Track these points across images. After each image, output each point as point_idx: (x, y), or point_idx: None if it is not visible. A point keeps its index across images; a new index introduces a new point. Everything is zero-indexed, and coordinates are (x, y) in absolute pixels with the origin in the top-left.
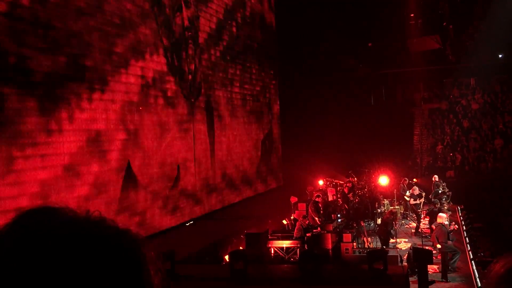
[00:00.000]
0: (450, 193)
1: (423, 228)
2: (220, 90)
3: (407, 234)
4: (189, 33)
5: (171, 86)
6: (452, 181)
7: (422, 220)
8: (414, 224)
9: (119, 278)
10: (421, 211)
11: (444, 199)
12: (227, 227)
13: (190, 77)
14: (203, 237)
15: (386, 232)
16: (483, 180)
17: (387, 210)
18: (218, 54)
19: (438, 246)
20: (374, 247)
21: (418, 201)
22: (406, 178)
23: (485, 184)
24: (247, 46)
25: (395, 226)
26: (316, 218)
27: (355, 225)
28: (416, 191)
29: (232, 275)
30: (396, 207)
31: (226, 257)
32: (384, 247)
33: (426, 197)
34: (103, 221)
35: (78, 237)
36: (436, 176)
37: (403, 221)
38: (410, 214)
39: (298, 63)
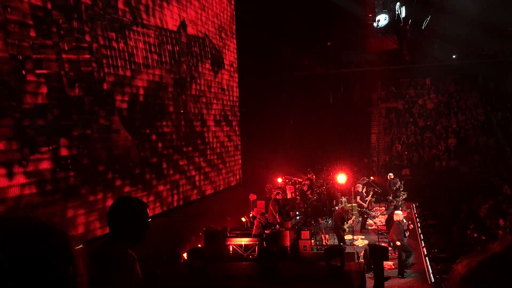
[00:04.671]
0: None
1: (380, 225)
2: None
3: (363, 231)
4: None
5: None
6: (407, 179)
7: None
8: (371, 221)
9: (45, 271)
10: (366, 209)
11: (400, 196)
12: (185, 225)
13: None
14: (160, 234)
15: (338, 228)
16: (437, 178)
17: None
18: None
19: (398, 243)
20: (331, 244)
21: (366, 198)
22: (365, 178)
23: (439, 182)
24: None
25: (352, 223)
26: (277, 216)
27: (313, 222)
28: (360, 188)
29: (191, 273)
30: (354, 204)
31: (185, 255)
32: (342, 244)
33: (384, 195)
34: (30, 218)
35: (5, 234)
36: (391, 174)
37: (360, 218)
38: (367, 211)
39: (257, 62)
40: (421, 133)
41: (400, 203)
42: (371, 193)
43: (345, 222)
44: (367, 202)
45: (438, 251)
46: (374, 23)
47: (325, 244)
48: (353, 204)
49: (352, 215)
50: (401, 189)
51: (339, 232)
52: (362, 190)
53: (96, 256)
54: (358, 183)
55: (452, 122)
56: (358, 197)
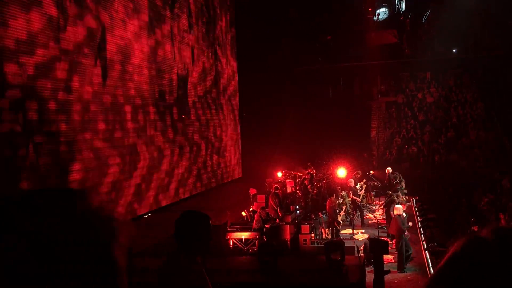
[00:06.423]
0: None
1: (379, 219)
2: None
3: (363, 225)
4: None
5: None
6: (407, 173)
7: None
8: (371, 215)
9: (93, 249)
10: (362, 204)
11: (400, 190)
12: None
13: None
14: (160, 229)
15: (333, 221)
16: (436, 172)
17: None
18: None
19: (406, 233)
20: (331, 238)
21: (359, 193)
22: (359, 171)
23: (439, 175)
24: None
25: (353, 217)
26: (278, 209)
27: (313, 216)
28: (352, 183)
29: None
30: (348, 199)
31: None
32: (341, 237)
33: (383, 189)
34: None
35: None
36: (389, 168)
37: (359, 212)
38: (367, 205)
39: (257, 57)
40: (420, 127)
41: (400, 198)
42: (364, 186)
43: (338, 214)
44: (361, 196)
45: (438, 244)
46: (374, 17)
47: (325, 238)
48: (348, 199)
49: (343, 206)
50: (402, 183)
51: (334, 225)
52: (357, 184)
53: (167, 271)
54: (351, 178)
55: (452, 116)
56: (351, 192)
